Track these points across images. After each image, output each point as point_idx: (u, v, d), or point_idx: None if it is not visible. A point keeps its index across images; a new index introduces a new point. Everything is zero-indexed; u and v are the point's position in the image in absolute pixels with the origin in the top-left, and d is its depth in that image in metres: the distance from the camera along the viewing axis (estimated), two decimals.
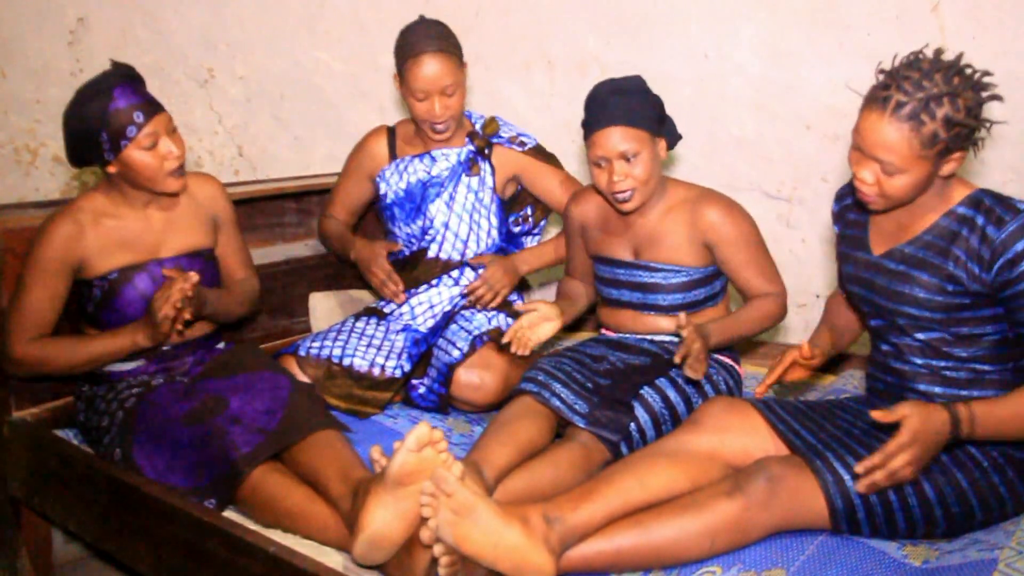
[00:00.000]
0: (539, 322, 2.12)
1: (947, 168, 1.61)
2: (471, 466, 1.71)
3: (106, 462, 1.96)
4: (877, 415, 1.54)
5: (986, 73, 1.59)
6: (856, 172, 1.64)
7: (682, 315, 1.85)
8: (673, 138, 2.11)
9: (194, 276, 1.91)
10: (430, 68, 2.31)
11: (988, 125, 1.59)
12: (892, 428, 1.71)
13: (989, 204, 1.62)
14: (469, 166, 2.48)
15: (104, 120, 1.91)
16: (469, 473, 1.66)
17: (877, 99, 1.57)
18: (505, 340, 2.10)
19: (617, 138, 1.98)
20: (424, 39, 2.32)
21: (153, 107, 1.96)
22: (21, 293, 1.98)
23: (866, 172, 1.62)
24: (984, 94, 1.58)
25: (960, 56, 1.58)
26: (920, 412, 1.54)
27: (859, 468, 1.55)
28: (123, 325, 2.01)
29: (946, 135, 1.54)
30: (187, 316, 1.96)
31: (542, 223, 2.66)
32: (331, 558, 1.66)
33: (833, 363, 2.48)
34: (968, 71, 1.57)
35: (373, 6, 3.33)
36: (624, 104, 1.99)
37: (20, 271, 2.01)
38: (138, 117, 1.92)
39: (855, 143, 1.63)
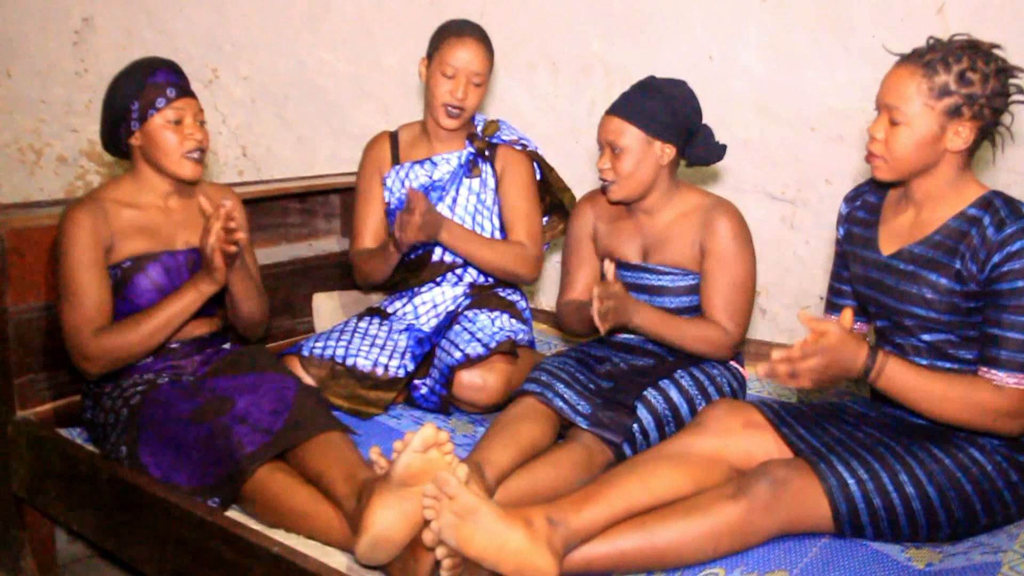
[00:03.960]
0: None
1: (954, 141, 1.62)
2: (472, 466, 1.71)
3: (110, 461, 1.96)
4: (802, 316, 1.56)
5: (1019, 69, 1.62)
6: (871, 132, 1.68)
7: (609, 268, 1.92)
8: (698, 153, 2.09)
9: (228, 203, 1.93)
10: (471, 49, 2.37)
11: (1008, 100, 1.62)
12: (898, 429, 1.71)
13: (997, 205, 1.63)
14: (470, 168, 2.48)
15: (139, 90, 2.01)
16: (470, 474, 1.66)
17: (905, 54, 1.65)
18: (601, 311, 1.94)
19: (611, 127, 2.03)
20: (473, 27, 2.42)
21: (186, 91, 2.06)
22: (70, 288, 1.95)
23: (877, 127, 1.67)
24: (1012, 81, 1.62)
25: (996, 45, 1.63)
26: (842, 337, 1.55)
27: (775, 355, 1.55)
28: (136, 313, 2.00)
29: (957, 89, 1.58)
30: (236, 242, 1.94)
31: (546, 246, 2.66)
32: (334, 559, 1.66)
33: None
34: (1000, 56, 1.62)
35: (378, 7, 3.33)
36: (637, 100, 2.01)
37: (60, 270, 1.97)
38: (170, 92, 2.02)
39: (876, 103, 1.69)
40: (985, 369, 1.60)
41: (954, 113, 1.60)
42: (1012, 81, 1.62)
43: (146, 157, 2.05)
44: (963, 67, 1.59)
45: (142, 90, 2.00)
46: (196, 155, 2.05)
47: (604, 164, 2.05)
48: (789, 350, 1.56)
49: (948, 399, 1.59)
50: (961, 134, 1.62)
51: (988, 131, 1.65)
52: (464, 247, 2.37)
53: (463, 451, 1.97)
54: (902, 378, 1.59)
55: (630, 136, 2.01)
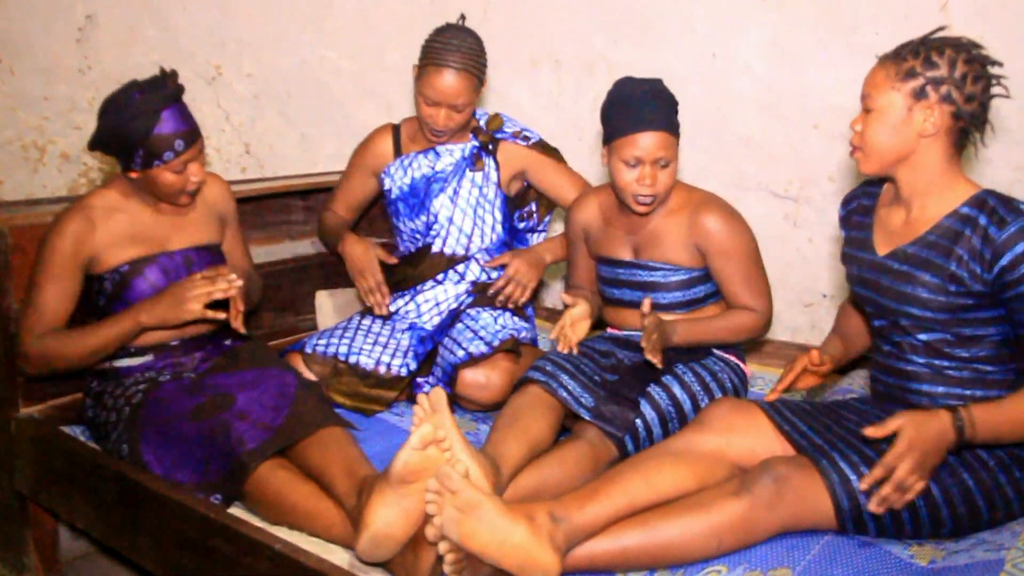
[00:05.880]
0: (580, 319, 2.09)
1: (923, 126, 1.62)
2: (489, 459, 1.71)
3: (112, 458, 1.96)
4: (870, 431, 1.53)
5: (997, 62, 1.62)
6: (851, 126, 1.72)
7: (646, 303, 1.91)
8: None
9: (237, 281, 1.96)
10: (448, 83, 2.31)
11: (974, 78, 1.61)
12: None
13: (993, 204, 1.62)
14: (473, 161, 2.49)
15: (146, 140, 1.94)
16: (486, 467, 1.66)
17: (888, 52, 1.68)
18: (552, 336, 2.08)
19: (659, 143, 1.97)
20: (455, 51, 2.31)
21: (194, 134, 2.00)
22: (34, 291, 2.00)
23: (857, 119, 1.70)
24: (991, 69, 1.62)
25: (977, 44, 1.63)
26: (914, 420, 1.52)
27: (864, 484, 1.54)
28: (82, 327, 2.02)
29: (922, 71, 1.60)
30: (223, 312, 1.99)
31: (547, 219, 2.67)
32: (337, 556, 1.66)
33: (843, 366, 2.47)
34: (978, 51, 1.62)
35: (380, 5, 3.34)
36: (664, 110, 2.00)
37: (32, 269, 2.01)
38: (179, 145, 1.96)
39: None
40: None
41: (919, 95, 1.61)
42: (989, 71, 1.62)
43: (142, 188, 2.05)
44: (929, 51, 1.61)
45: (147, 138, 1.93)
46: (193, 191, 2.06)
47: (651, 180, 1.98)
48: (873, 472, 1.53)
49: None
50: (930, 118, 1.61)
51: (966, 122, 1.63)
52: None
53: None
54: (991, 423, 1.54)
55: (674, 148, 2.01)
